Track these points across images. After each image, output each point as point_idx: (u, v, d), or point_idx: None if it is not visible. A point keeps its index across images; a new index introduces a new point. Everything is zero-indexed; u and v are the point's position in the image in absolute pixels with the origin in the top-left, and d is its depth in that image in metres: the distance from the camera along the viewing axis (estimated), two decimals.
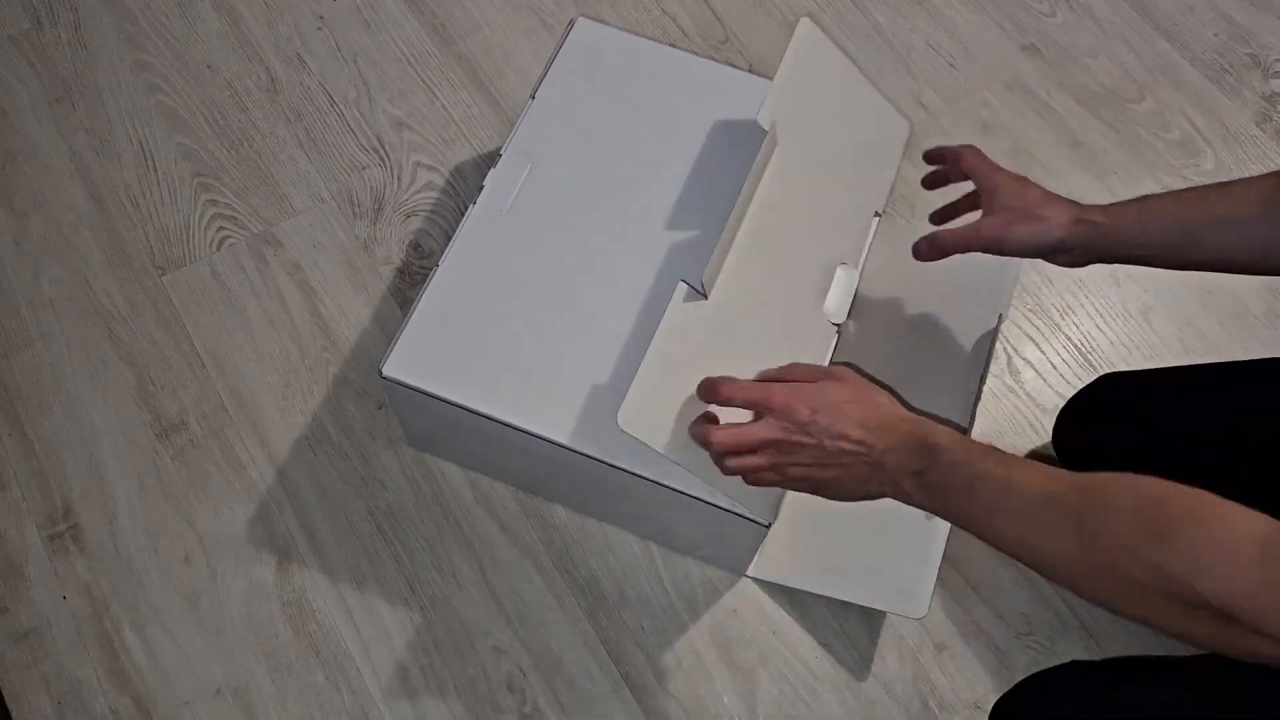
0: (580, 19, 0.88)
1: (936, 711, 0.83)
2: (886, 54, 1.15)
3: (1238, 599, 0.46)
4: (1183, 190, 0.70)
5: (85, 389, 0.94)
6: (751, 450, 0.63)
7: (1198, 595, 0.47)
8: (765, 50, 1.14)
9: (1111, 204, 0.72)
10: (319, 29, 1.14)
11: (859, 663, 0.85)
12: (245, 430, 0.92)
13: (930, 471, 0.59)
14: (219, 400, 0.94)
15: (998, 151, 1.09)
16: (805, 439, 0.62)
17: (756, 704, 0.83)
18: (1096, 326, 1.01)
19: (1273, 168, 1.09)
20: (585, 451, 0.72)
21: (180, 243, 1.01)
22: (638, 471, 0.71)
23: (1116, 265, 1.02)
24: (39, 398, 0.93)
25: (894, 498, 0.62)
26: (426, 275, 0.99)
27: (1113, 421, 0.81)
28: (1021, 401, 0.96)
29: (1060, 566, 0.54)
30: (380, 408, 0.93)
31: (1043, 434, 0.94)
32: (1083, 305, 1.02)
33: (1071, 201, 0.73)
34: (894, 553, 0.71)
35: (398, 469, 0.91)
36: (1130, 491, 0.52)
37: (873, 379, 0.68)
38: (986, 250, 0.75)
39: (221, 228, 1.02)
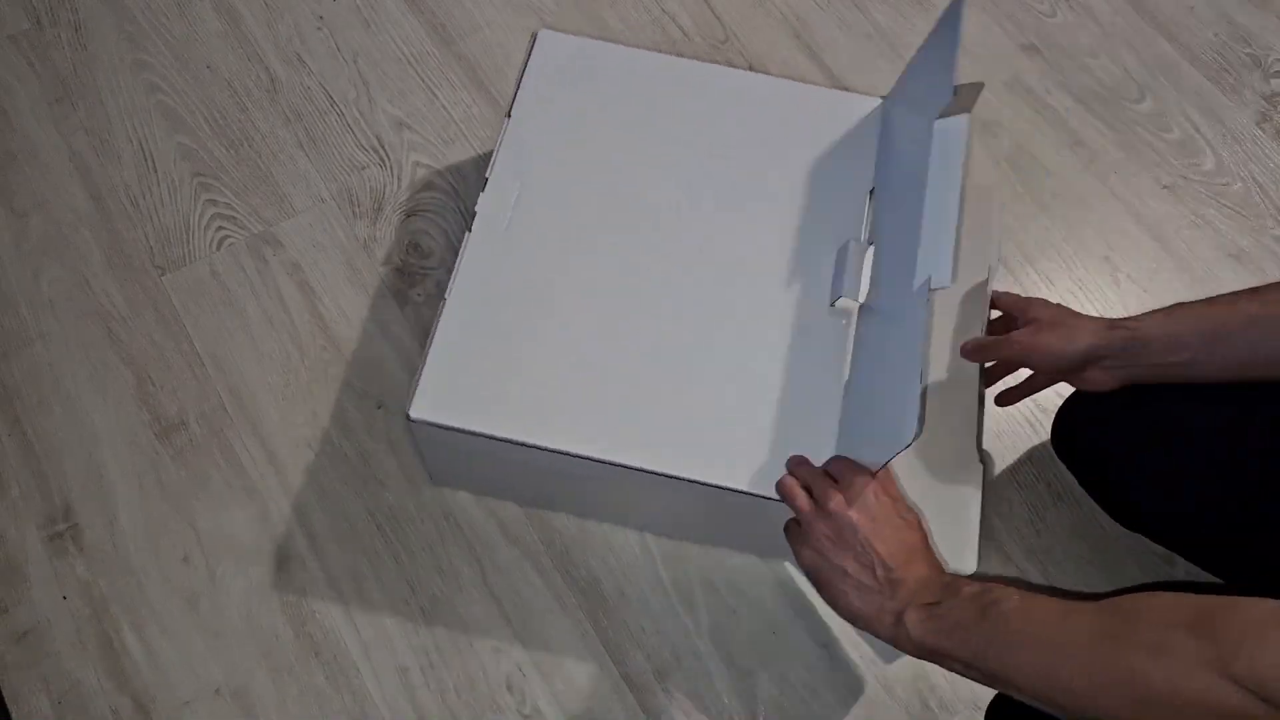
0: (543, 30, 0.87)
1: (936, 711, 0.83)
2: (886, 54, 1.15)
3: (1272, 676, 0.44)
4: (1214, 296, 0.70)
5: (85, 389, 0.94)
6: (807, 490, 0.68)
7: (1233, 682, 0.45)
8: (765, 50, 1.14)
9: (1141, 314, 0.72)
10: (319, 29, 1.14)
11: (859, 663, 0.85)
12: (245, 430, 0.92)
13: (945, 603, 0.59)
14: (219, 400, 0.94)
15: (997, 151, 1.09)
16: (830, 532, 0.65)
17: (756, 704, 0.83)
18: None
19: (1273, 168, 1.09)
20: (626, 463, 0.72)
21: (180, 243, 1.01)
22: (684, 475, 0.72)
23: (1117, 266, 1.03)
24: (38, 398, 0.93)
25: (884, 634, 0.63)
26: (425, 275, 1.00)
27: (1112, 418, 0.80)
28: (1021, 401, 0.96)
29: (1079, 685, 0.51)
30: (379, 408, 0.93)
31: (1042, 434, 0.94)
32: (1083, 305, 1.02)
33: (1101, 317, 0.74)
34: (935, 512, 0.71)
35: (398, 469, 0.91)
36: (1156, 597, 0.51)
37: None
38: (1016, 362, 0.78)
39: (221, 228, 1.02)
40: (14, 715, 0.81)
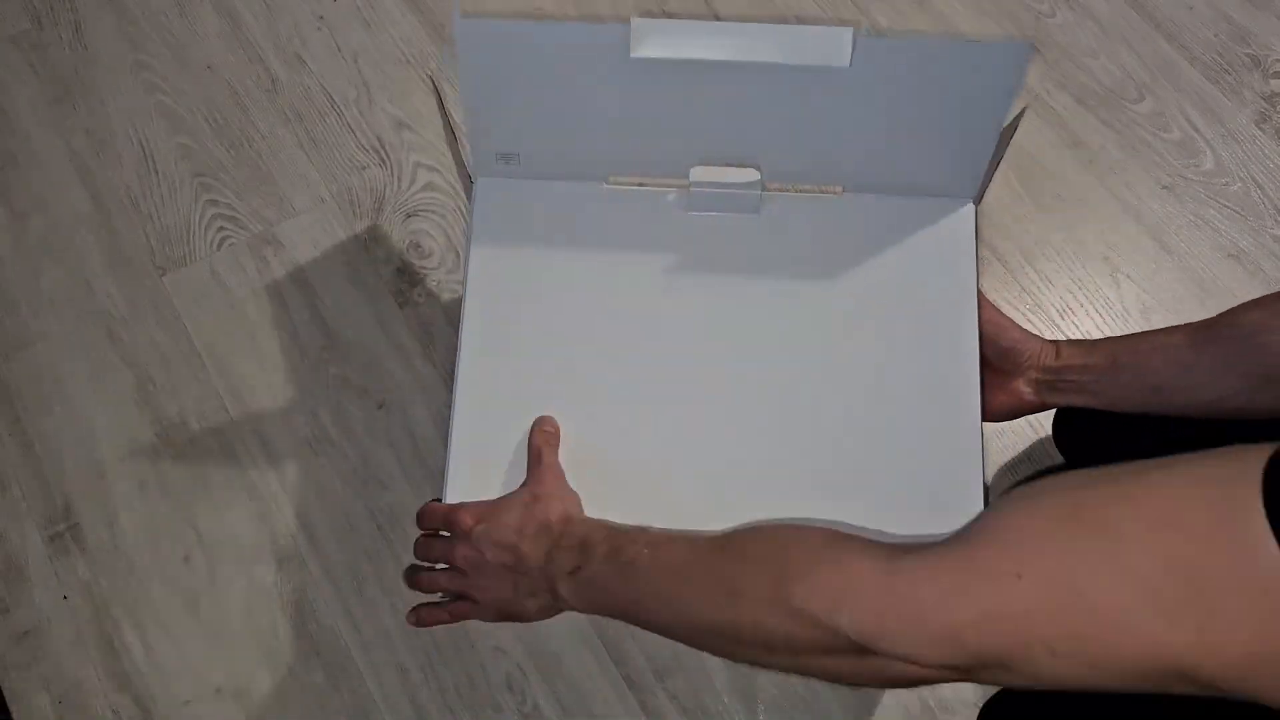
0: (481, 179, 0.79)
1: (936, 711, 0.83)
2: None
3: (868, 626, 0.46)
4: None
5: (85, 389, 0.94)
6: (442, 563, 0.65)
7: (837, 631, 0.47)
8: None
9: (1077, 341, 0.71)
10: (319, 29, 1.14)
11: None
12: (245, 430, 0.92)
13: (585, 568, 0.58)
14: (219, 400, 0.94)
15: None
16: (470, 551, 0.62)
17: (756, 704, 0.83)
18: (1096, 326, 1.01)
19: (1273, 168, 1.09)
20: None
21: (180, 243, 1.01)
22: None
23: (1116, 266, 1.03)
24: (39, 398, 0.93)
25: (560, 608, 0.61)
26: (425, 275, 1.00)
27: (1115, 413, 0.80)
28: None
29: (718, 635, 0.53)
30: (380, 408, 0.93)
31: (1042, 433, 0.95)
32: (1082, 305, 1.02)
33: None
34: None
35: (398, 469, 0.91)
36: (761, 542, 0.53)
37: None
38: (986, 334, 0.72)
39: (222, 228, 1.02)
40: (14, 715, 0.82)
